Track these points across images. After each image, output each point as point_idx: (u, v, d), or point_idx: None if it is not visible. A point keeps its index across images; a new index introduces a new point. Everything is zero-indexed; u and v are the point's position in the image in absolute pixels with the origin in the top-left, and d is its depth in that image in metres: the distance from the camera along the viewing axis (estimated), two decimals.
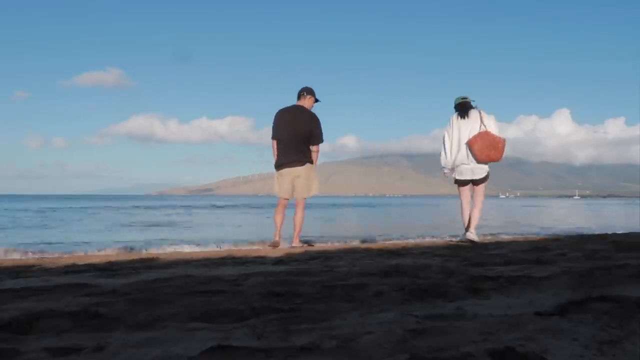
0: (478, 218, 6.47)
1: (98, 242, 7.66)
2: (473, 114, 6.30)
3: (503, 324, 1.58)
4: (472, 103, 6.44)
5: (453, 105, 6.55)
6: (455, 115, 6.40)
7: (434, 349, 1.35)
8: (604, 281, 2.40)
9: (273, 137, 5.85)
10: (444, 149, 6.45)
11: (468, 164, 6.29)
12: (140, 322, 1.80)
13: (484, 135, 6.14)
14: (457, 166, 6.37)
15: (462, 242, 6.20)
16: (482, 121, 6.22)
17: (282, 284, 2.59)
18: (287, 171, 5.74)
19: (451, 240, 6.57)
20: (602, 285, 2.26)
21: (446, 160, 6.43)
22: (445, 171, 6.57)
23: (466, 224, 6.48)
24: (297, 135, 5.66)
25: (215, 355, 1.33)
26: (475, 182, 6.44)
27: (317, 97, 5.91)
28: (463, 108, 6.35)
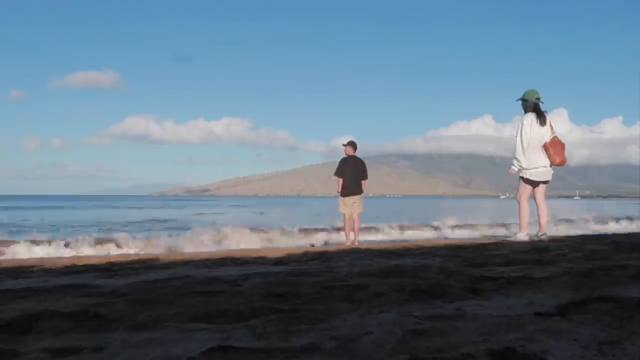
0: (547, 216, 6.74)
1: None
2: (547, 119, 6.51)
3: (503, 325, 1.58)
4: (542, 106, 6.59)
5: (522, 97, 6.63)
6: (533, 117, 6.48)
7: (434, 350, 1.34)
8: (604, 282, 2.40)
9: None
10: (522, 148, 6.52)
11: (547, 167, 6.52)
12: (140, 323, 1.80)
13: (558, 140, 6.46)
14: (536, 168, 6.50)
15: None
16: (552, 126, 6.49)
17: (282, 284, 2.59)
18: (349, 199, 8.33)
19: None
20: (603, 286, 2.26)
21: (525, 161, 6.53)
22: (514, 168, 6.66)
23: (525, 223, 6.60)
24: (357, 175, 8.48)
25: (215, 356, 1.33)
26: (544, 183, 6.66)
27: (348, 142, 8.54)
28: (542, 114, 6.50)
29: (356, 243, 7.97)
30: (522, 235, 6.48)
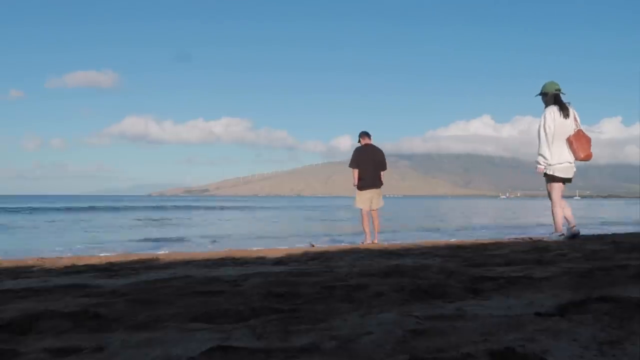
0: (570, 209, 6.38)
1: None
2: (570, 111, 6.20)
3: (503, 325, 1.58)
4: (564, 97, 6.27)
5: (541, 92, 6.34)
6: (555, 109, 6.16)
7: (433, 350, 1.34)
8: (604, 282, 2.40)
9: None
10: (547, 144, 6.16)
11: (571, 162, 6.21)
12: (140, 323, 1.80)
13: (582, 134, 6.16)
14: (561, 163, 6.19)
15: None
16: (576, 119, 6.19)
17: (282, 284, 2.59)
18: (368, 192, 7.70)
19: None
20: (603, 286, 2.26)
21: (550, 156, 6.18)
22: (541, 166, 6.29)
23: (560, 223, 6.27)
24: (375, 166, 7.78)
25: (215, 356, 1.33)
26: (567, 181, 6.32)
27: (361, 132, 7.85)
28: (564, 106, 6.19)
29: (376, 241, 7.45)
30: (557, 236, 6.19)
